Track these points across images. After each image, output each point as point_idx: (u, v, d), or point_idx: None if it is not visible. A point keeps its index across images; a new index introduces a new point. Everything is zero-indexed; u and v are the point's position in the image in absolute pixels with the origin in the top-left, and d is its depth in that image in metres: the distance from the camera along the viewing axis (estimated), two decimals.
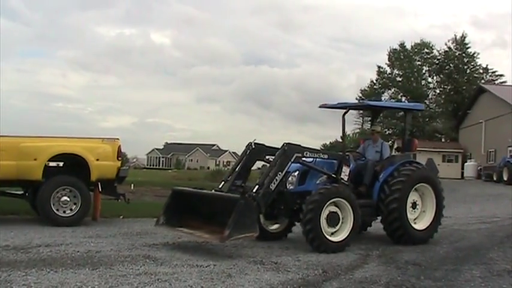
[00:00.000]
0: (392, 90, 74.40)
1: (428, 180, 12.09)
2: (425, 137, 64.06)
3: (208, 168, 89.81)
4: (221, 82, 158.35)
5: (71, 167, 13.16)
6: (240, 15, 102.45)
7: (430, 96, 74.50)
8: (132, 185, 25.98)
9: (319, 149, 11.56)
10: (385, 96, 73.16)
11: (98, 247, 9.94)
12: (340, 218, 10.57)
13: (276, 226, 11.89)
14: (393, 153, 14.14)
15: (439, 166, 20.29)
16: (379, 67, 75.17)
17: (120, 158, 13.61)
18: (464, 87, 70.24)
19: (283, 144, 10.76)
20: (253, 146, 11.41)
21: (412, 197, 11.78)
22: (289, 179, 11.24)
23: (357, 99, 66.16)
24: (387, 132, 66.09)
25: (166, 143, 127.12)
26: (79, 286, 7.13)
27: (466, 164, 52.40)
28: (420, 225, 11.91)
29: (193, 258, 9.26)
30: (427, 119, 70.71)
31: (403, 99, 70.58)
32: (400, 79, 73.63)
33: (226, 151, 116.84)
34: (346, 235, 10.55)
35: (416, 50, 73.73)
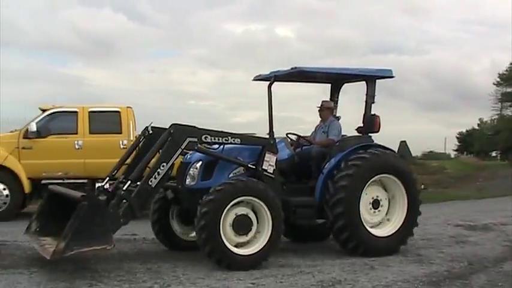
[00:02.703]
0: None
1: (393, 170, 9.09)
2: None
3: None
4: None
5: None
6: (364, 2, 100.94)
7: None
8: None
9: (228, 131, 8.67)
10: None
11: None
12: (254, 224, 8.13)
13: (195, 234, 8.35)
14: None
15: None
16: None
17: None
18: None
19: (170, 126, 8.32)
20: (150, 131, 8.96)
21: (372, 193, 9.05)
22: (190, 171, 8.63)
23: None
24: None
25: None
26: (224, 277, 7.35)
27: None
28: (383, 230, 9.12)
29: (333, 251, 9.25)
30: None
31: None
32: None
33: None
34: (261, 246, 8.06)
35: None
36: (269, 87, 8.82)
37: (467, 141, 69.77)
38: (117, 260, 8.35)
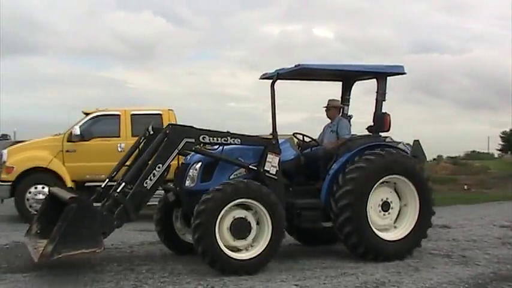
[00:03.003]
0: None
1: (403, 170, 8.67)
2: None
3: None
4: None
5: None
6: (403, 1, 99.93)
7: None
8: None
9: (229, 131, 8.44)
10: None
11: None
12: (252, 227, 7.86)
13: None
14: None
15: None
16: None
17: None
18: None
19: (166, 126, 8.34)
20: (151, 132, 8.66)
21: (381, 194, 8.68)
22: (190, 173, 8.43)
23: None
24: None
25: None
26: (267, 279, 7.36)
27: None
28: (393, 234, 8.75)
29: None
30: None
31: None
32: None
33: (399, 143, 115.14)
34: (260, 250, 7.79)
35: None
36: (272, 85, 8.57)
37: (511, 140, 68.48)
38: (161, 261, 8.43)
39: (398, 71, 9.22)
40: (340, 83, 9.89)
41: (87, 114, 13.83)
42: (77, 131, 13.22)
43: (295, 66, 8.44)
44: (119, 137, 13.51)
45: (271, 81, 8.64)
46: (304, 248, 9.70)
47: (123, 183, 7.86)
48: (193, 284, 7.09)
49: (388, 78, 9.17)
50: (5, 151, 13.90)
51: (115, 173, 8.84)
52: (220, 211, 7.55)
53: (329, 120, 9.53)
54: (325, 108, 9.48)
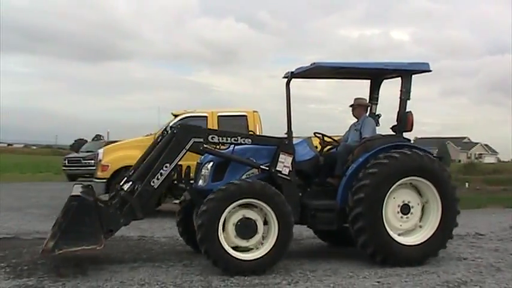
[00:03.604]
0: None
1: (424, 172, 8.31)
2: None
3: (460, 161, 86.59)
4: (465, 74, 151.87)
5: None
6: (480, 3, 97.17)
7: None
8: None
9: (238, 131, 8.35)
10: None
11: None
12: (259, 228, 7.74)
13: None
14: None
15: None
16: None
17: None
18: None
19: (176, 126, 8.21)
20: (169, 132, 8.57)
21: (401, 196, 8.38)
22: (202, 172, 8.45)
23: None
24: None
25: (416, 137, 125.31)
26: (350, 275, 7.57)
27: None
28: (413, 238, 8.39)
29: (457, 251, 9.33)
30: None
31: None
32: None
33: (477, 143, 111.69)
34: (265, 252, 7.68)
35: None
36: (287, 84, 8.39)
37: None
38: None
39: (423, 69, 8.78)
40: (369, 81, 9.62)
41: (176, 115, 14.32)
42: None
43: (311, 64, 8.26)
44: None
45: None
46: None
47: (131, 182, 8.06)
48: (279, 279, 7.36)
49: (413, 76, 8.79)
50: (100, 150, 14.75)
51: (133, 171, 8.63)
52: (223, 211, 7.51)
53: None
54: (351, 107, 9.25)
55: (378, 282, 7.23)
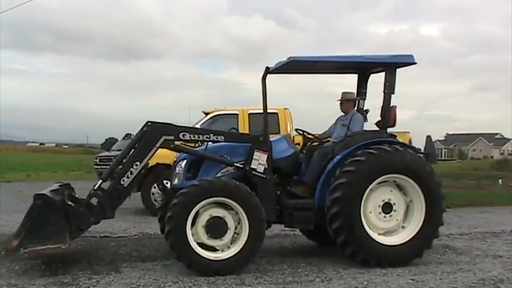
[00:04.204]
0: None
1: (406, 170, 7.92)
2: None
3: (492, 157, 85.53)
4: (497, 69, 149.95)
5: None
6: None
7: None
8: None
9: (212, 129, 8.12)
10: None
11: None
12: (230, 227, 7.52)
13: None
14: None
15: None
16: None
17: None
18: None
19: (145, 124, 8.00)
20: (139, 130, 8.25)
21: (383, 196, 8.01)
22: (176, 170, 8.34)
23: None
24: None
25: (447, 134, 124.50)
26: (384, 273, 7.51)
27: None
28: (395, 237, 8.05)
29: (493, 249, 9.18)
30: None
31: None
32: None
33: (510, 139, 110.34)
34: (236, 251, 7.47)
35: None
36: (263, 79, 8.06)
37: None
38: (280, 254, 8.75)
39: (407, 61, 8.32)
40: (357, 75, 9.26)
41: (207, 114, 14.39)
42: None
43: (288, 59, 7.99)
44: None
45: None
46: None
47: (100, 181, 7.95)
48: (312, 276, 7.35)
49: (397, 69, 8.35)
50: None
51: (112, 171, 8.31)
52: (194, 206, 7.34)
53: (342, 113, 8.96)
54: (339, 102, 8.88)
55: (412, 280, 7.16)
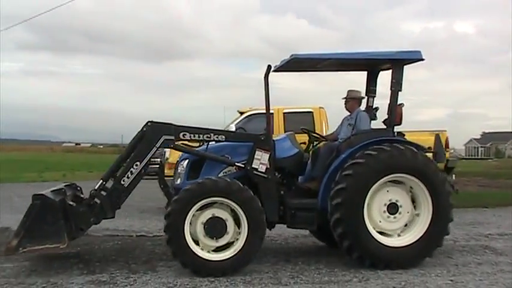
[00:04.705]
0: None
1: (411, 169, 7.66)
2: None
3: None
4: None
5: None
6: None
7: None
8: (454, 175, 25.61)
9: (213, 128, 8.10)
10: None
11: None
12: (229, 227, 7.44)
13: None
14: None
15: None
16: None
17: (448, 149, 13.62)
18: None
19: (145, 123, 7.96)
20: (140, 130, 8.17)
21: (389, 196, 7.78)
22: (178, 170, 8.38)
23: None
24: None
25: (484, 132, 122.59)
26: (422, 273, 7.41)
27: None
28: (401, 239, 7.80)
29: None
30: None
31: None
32: None
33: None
34: (235, 252, 7.42)
35: None
36: (265, 77, 7.91)
37: None
38: (316, 254, 8.71)
39: (415, 57, 8.08)
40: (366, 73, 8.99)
41: (242, 113, 14.42)
42: (233, 129, 13.84)
43: (290, 56, 7.89)
44: (272, 134, 13.91)
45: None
46: (457, 243, 9.59)
47: (101, 181, 7.93)
48: (349, 276, 7.30)
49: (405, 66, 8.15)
50: (167, 150, 14.89)
51: (113, 172, 8.28)
52: (188, 211, 7.29)
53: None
54: (344, 100, 8.80)
55: (451, 280, 7.06)
